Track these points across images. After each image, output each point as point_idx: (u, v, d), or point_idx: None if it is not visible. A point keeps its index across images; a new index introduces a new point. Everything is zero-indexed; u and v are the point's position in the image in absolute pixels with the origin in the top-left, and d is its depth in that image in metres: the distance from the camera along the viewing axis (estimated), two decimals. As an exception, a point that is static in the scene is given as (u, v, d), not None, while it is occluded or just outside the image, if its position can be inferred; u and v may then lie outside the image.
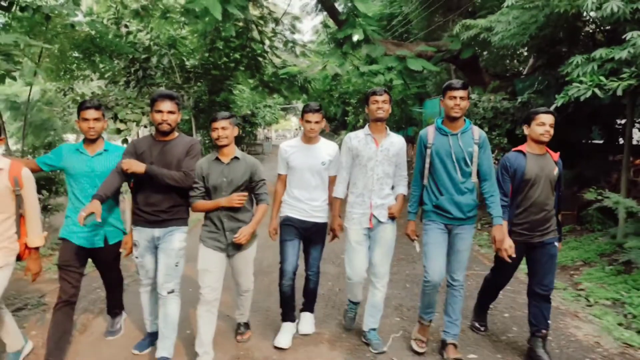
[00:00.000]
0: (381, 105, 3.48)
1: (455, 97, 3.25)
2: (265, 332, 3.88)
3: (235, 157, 3.32)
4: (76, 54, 9.58)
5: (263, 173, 3.42)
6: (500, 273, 3.73)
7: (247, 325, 3.83)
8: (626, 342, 3.78)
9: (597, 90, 4.95)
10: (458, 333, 3.51)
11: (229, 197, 3.21)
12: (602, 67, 5.07)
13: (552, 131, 3.36)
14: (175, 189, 3.24)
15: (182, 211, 3.36)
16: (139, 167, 3.11)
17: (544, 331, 3.45)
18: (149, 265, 3.40)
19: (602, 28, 6.58)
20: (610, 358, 3.54)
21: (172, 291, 3.23)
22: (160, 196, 3.24)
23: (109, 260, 3.56)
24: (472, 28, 7.78)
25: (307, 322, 3.91)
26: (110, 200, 3.36)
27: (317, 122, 3.58)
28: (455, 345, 3.47)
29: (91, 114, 3.29)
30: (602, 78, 4.96)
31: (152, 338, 3.57)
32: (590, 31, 6.99)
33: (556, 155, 3.49)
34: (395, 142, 3.60)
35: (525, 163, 3.38)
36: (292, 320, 3.77)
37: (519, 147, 3.50)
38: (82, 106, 3.32)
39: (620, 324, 4.19)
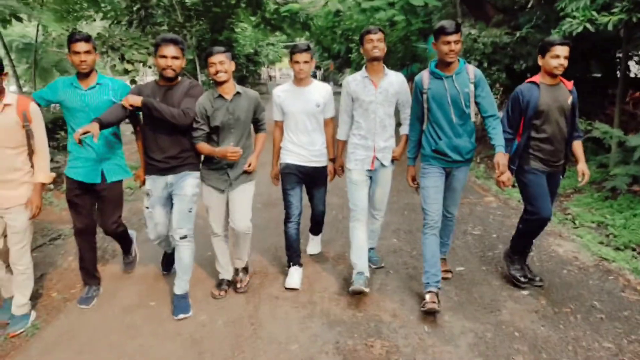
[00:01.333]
0: (376, 44, 3.40)
1: (449, 42, 3.12)
2: (278, 257, 4.32)
3: (238, 93, 3.28)
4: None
5: (261, 103, 3.51)
6: (540, 208, 3.44)
7: (245, 270, 3.73)
8: (602, 257, 4.20)
9: (588, 25, 5.10)
10: (448, 250, 3.88)
11: (224, 149, 3.16)
12: (595, 2, 5.18)
13: (566, 63, 3.26)
14: (183, 133, 3.22)
15: (192, 156, 3.34)
16: (135, 99, 3.08)
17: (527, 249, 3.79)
18: (159, 219, 3.39)
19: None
20: (585, 269, 3.97)
21: (185, 237, 3.27)
22: (169, 141, 3.22)
23: (108, 201, 3.44)
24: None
25: (314, 243, 4.27)
26: (110, 136, 3.39)
27: (306, 62, 3.47)
28: (445, 260, 3.83)
29: (82, 46, 3.17)
30: (593, 13, 5.09)
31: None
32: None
33: (570, 84, 3.42)
34: (394, 81, 3.53)
35: (539, 94, 3.32)
36: (299, 265, 3.80)
37: (533, 78, 3.43)
38: (71, 38, 3.18)
39: (600, 243, 4.60)
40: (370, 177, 3.66)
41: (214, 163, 3.36)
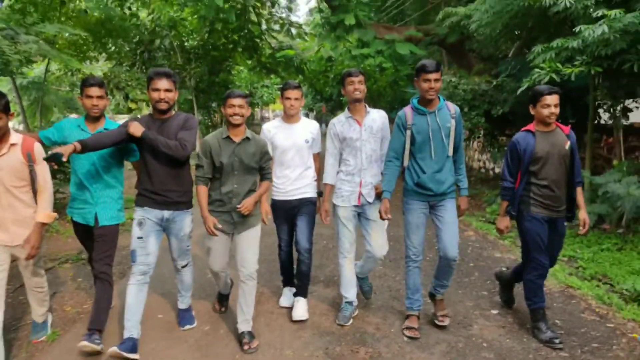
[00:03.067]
0: (357, 86, 3.52)
1: (429, 80, 3.26)
2: (272, 279, 4.69)
3: (247, 138, 3.30)
4: (85, 36, 10.17)
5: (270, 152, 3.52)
6: (539, 253, 3.48)
7: (251, 334, 3.38)
8: (568, 284, 4.63)
9: (554, 76, 5.70)
10: (445, 290, 3.71)
11: (210, 220, 3.22)
12: (560, 55, 5.81)
13: (557, 111, 3.31)
14: (182, 167, 3.27)
15: (189, 193, 3.36)
16: (137, 129, 3.08)
17: (517, 281, 3.90)
18: (151, 248, 3.24)
19: (565, 19, 7.24)
20: (551, 294, 4.38)
21: (185, 265, 3.53)
22: (169, 175, 3.23)
23: (100, 242, 3.32)
24: (454, 15, 8.50)
25: (301, 307, 3.78)
26: (109, 179, 3.39)
27: (296, 99, 3.64)
28: (442, 300, 3.70)
29: (95, 91, 3.28)
30: (558, 65, 5.70)
31: (131, 343, 3.12)
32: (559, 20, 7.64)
33: (567, 129, 3.45)
34: (377, 117, 3.66)
35: (535, 142, 3.36)
36: (292, 286, 4.03)
37: (528, 127, 3.46)
38: (85, 83, 3.30)
39: (570, 274, 5.03)
40: (359, 215, 3.71)
41: (219, 205, 3.34)
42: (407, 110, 3.46)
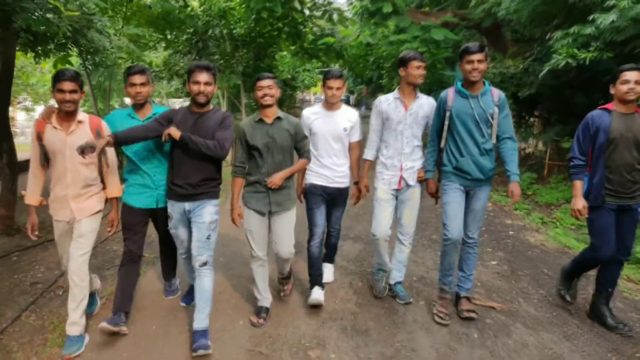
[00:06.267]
0: (423, 72, 3.51)
1: (472, 61, 3.23)
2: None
3: (278, 117, 3.36)
4: (151, 31, 11.26)
5: (304, 131, 3.53)
6: (600, 246, 3.34)
7: (288, 276, 4.01)
8: (566, 245, 5.31)
9: (570, 60, 6.24)
10: (471, 287, 3.67)
11: (233, 212, 3.39)
12: (577, 41, 6.32)
13: (638, 88, 3.15)
14: (209, 160, 3.23)
15: (213, 184, 3.32)
16: (175, 133, 3.08)
17: (610, 290, 3.51)
18: (183, 237, 3.43)
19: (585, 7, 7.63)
20: (547, 251, 5.11)
21: (205, 264, 3.22)
22: (193, 168, 3.21)
23: (163, 224, 3.52)
24: (485, 2, 9.03)
25: (328, 271, 4.25)
26: (161, 158, 3.45)
27: (338, 89, 3.60)
28: (468, 299, 3.61)
29: (137, 79, 3.29)
30: (574, 50, 6.23)
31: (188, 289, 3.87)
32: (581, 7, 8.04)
33: None
34: (425, 104, 3.63)
35: (610, 121, 3.21)
36: (322, 286, 3.81)
37: (606, 105, 3.32)
38: (128, 71, 3.32)
39: (576, 239, 5.65)
40: (397, 197, 3.74)
41: (256, 186, 3.42)
42: (449, 92, 3.44)
